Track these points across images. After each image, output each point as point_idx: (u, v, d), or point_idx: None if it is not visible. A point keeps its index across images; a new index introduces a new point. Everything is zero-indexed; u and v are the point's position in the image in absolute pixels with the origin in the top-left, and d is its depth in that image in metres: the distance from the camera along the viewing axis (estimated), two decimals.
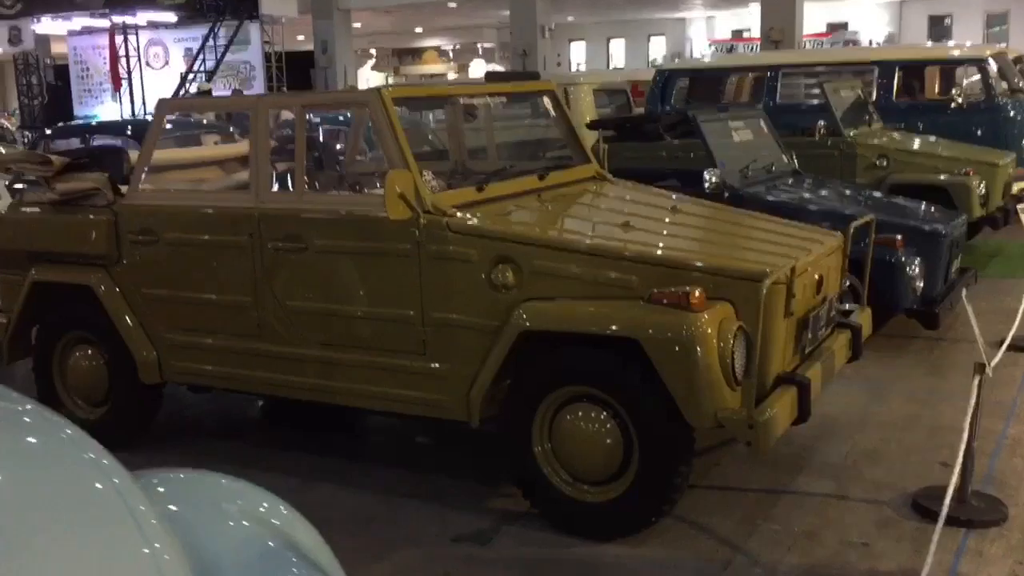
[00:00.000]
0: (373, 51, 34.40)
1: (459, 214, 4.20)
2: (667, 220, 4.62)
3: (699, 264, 3.94)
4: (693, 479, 4.49)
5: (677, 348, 3.69)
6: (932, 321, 6.71)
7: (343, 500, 4.51)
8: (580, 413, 4.00)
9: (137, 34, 23.93)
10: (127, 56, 23.47)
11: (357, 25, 28.58)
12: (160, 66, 25.33)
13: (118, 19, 23.60)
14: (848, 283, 5.28)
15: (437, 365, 4.28)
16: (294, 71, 24.53)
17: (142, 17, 23.92)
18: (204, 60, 23.19)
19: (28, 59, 24.86)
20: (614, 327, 3.83)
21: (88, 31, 25.10)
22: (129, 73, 23.19)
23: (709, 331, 3.69)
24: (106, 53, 24.08)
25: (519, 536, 4.11)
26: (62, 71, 26.44)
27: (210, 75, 22.75)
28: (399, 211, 4.05)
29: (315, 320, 4.53)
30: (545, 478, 4.10)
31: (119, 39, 23.40)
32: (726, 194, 6.95)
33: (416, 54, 34.61)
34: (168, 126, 5.13)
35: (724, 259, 4.03)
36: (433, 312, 4.25)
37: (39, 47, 25.10)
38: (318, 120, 10.32)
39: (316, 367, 4.57)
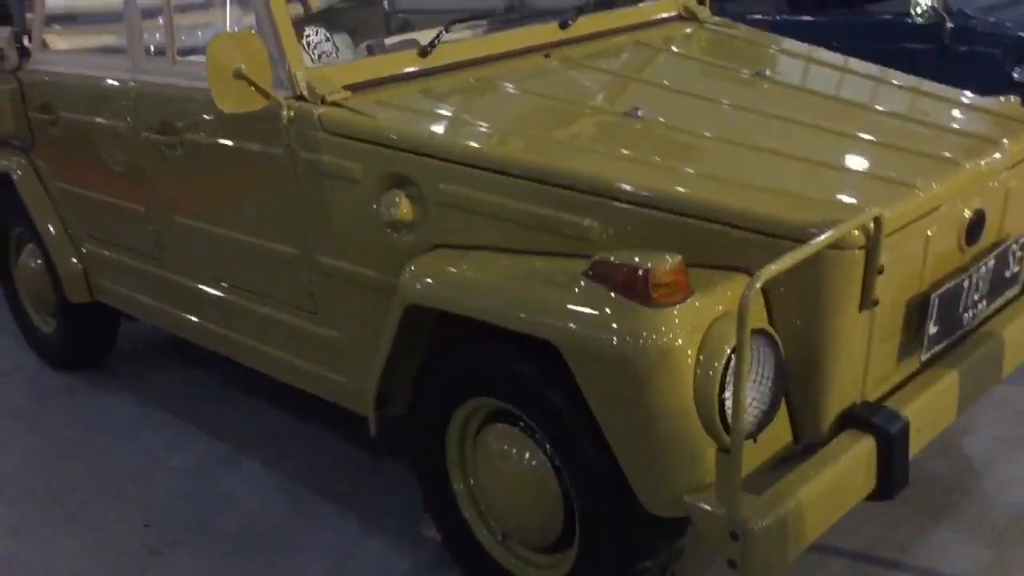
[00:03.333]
0: None
1: (346, 102, 2.61)
2: (723, 103, 2.72)
3: (694, 202, 2.13)
4: None
5: (612, 370, 1.99)
6: None
7: (244, 499, 3.26)
8: (507, 439, 2.43)
9: None
10: None
11: None
12: None
13: None
14: None
15: (328, 331, 2.83)
16: None
17: None
18: None
19: None
20: (517, 315, 2.17)
21: None
22: None
23: (679, 343, 1.95)
24: None
25: None
26: None
27: None
28: (233, 99, 2.53)
29: (204, 245, 3.19)
30: (467, 526, 2.61)
31: None
32: (948, 26, 4.67)
33: None
34: None
35: (749, 193, 2.16)
36: (319, 253, 2.76)
37: None
38: None
39: (216, 309, 3.26)
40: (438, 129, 2.52)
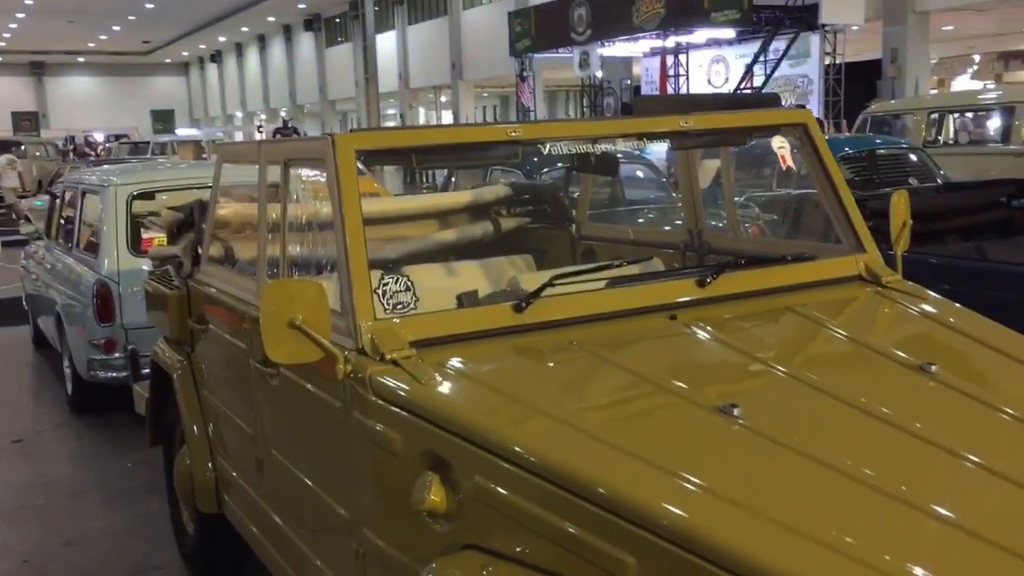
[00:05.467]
0: (976, 56, 29.58)
1: (405, 362, 2.32)
2: (859, 409, 2.14)
3: (764, 567, 1.60)
4: None
5: None
6: None
7: None
8: None
9: (688, 52, 23.49)
10: (676, 75, 23.11)
11: (949, 28, 25.03)
12: (721, 83, 24.56)
13: (676, 40, 23.34)
14: None
15: None
16: (857, 83, 22.06)
17: (701, 35, 23.36)
18: (753, 76, 21.88)
19: (594, 82, 25.80)
20: None
21: (656, 52, 25.21)
22: (676, 91, 22.73)
23: None
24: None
25: None
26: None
27: (757, 91, 21.37)
28: (285, 349, 2.32)
29: (288, 483, 2.97)
30: None
31: (670, 59, 23.16)
32: None
33: None
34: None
35: (831, 560, 1.60)
36: (364, 525, 2.43)
37: (608, 70, 25.83)
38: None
39: (294, 555, 3.00)
40: (487, 408, 2.16)
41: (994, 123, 11.93)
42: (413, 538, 2.22)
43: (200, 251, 3.88)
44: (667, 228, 4.27)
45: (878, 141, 10.22)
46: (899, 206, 3.08)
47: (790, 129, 3.15)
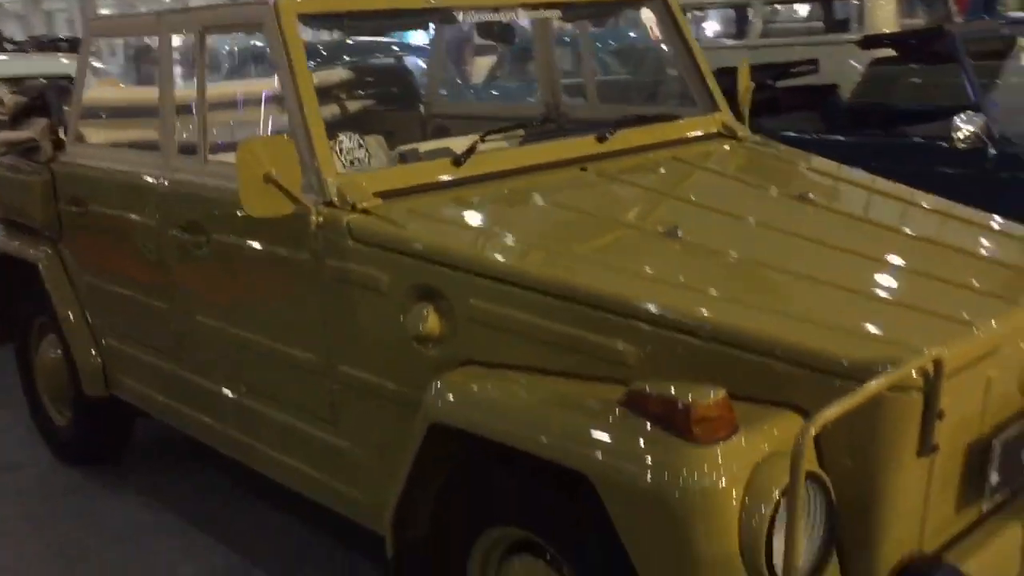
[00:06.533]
0: None
1: (376, 210, 2.54)
2: (767, 227, 2.62)
3: (743, 332, 2.02)
4: None
5: (648, 509, 1.85)
6: None
7: None
8: (532, 573, 2.26)
9: None
10: None
11: None
12: None
13: None
14: None
15: (347, 444, 2.70)
16: None
17: None
18: None
19: None
20: (547, 441, 2.04)
21: None
22: None
23: (723, 484, 1.80)
24: None
25: None
26: None
27: None
28: (262, 203, 2.47)
29: (225, 347, 3.10)
30: None
31: None
32: (991, 152, 4.59)
33: None
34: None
35: (799, 326, 2.05)
36: (341, 363, 2.66)
37: None
38: None
39: (233, 413, 3.15)
40: (471, 242, 2.43)
41: (730, 20, 13.02)
42: (402, 365, 2.47)
43: (63, 135, 3.78)
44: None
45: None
46: (743, 74, 3.58)
47: (652, 3, 3.54)
